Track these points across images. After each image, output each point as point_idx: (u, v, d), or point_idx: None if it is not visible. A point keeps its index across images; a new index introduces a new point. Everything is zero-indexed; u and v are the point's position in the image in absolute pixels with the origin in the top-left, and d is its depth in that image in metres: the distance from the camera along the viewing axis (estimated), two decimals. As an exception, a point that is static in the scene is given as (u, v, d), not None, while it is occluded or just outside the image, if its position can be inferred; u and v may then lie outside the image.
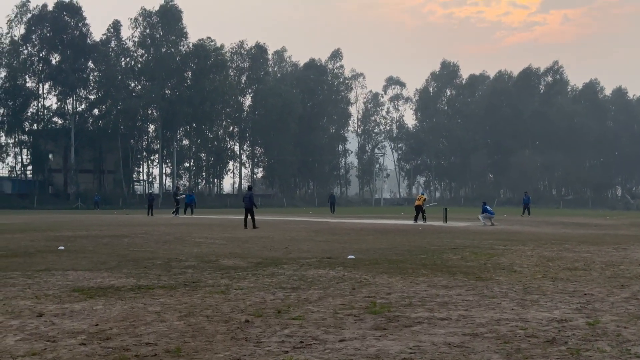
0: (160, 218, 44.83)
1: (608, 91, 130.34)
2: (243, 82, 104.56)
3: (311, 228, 30.98)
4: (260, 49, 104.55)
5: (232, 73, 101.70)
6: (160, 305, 9.86)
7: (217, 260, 16.33)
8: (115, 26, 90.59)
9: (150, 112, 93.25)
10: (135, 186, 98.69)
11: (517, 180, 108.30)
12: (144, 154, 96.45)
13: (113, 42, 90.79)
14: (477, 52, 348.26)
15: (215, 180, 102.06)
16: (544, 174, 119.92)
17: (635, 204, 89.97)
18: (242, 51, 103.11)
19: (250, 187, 34.25)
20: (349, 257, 17.23)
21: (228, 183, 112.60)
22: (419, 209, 38.22)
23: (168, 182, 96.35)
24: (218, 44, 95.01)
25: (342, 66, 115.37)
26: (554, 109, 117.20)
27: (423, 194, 42.69)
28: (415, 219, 37.57)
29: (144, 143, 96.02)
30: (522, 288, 11.80)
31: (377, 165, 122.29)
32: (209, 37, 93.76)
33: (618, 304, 10.11)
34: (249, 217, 30.51)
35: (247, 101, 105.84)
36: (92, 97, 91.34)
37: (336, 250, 19.42)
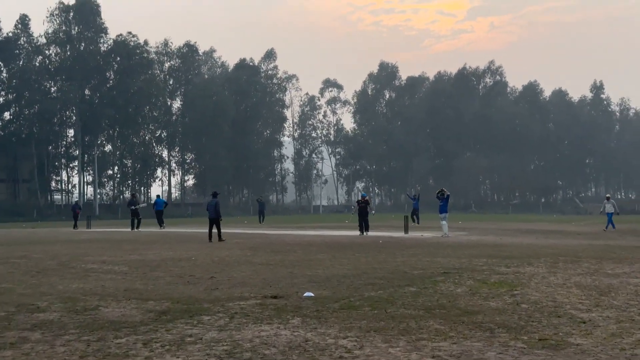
0: (71, 232, 38.15)
1: (547, 93, 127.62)
2: (171, 83, 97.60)
3: (246, 243, 24.98)
4: (190, 48, 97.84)
5: (158, 73, 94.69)
6: None
7: (96, 307, 10.23)
8: (23, 21, 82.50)
9: (68, 115, 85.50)
10: (55, 196, 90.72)
11: (461, 184, 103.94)
12: (62, 161, 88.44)
13: (22, 38, 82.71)
14: (407, 59, 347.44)
15: (142, 188, 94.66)
16: (488, 178, 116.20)
17: (585, 208, 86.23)
18: (169, 50, 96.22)
19: (215, 194, 28.35)
20: (306, 294, 11.36)
21: (156, 191, 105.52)
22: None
23: (89, 190, 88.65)
24: (141, 41, 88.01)
25: (276, 67, 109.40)
26: (495, 111, 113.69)
27: (365, 196, 33.36)
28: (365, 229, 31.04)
29: (62, 149, 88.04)
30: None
31: (315, 171, 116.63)
32: (130, 33, 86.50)
33: None
34: (214, 229, 26.67)
35: (176, 104, 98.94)
36: (1, 99, 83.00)
37: (284, 280, 13.50)
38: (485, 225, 44.29)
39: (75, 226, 43.52)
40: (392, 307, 10.08)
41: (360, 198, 32.79)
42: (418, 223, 42.61)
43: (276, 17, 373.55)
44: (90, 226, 43.42)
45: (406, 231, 31.03)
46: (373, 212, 31.61)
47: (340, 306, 10.17)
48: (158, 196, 47.57)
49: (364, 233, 30.35)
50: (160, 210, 40.81)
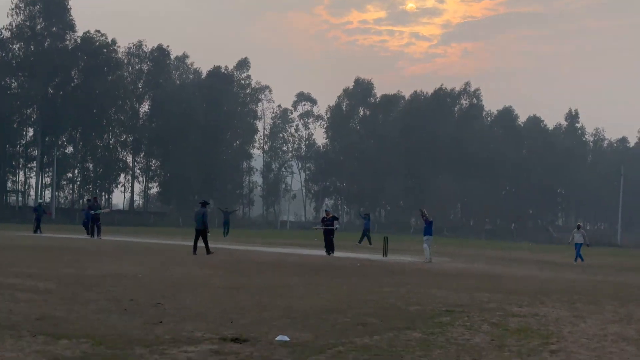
0: (14, 237, 34.77)
1: (522, 119, 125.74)
2: (140, 86, 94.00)
3: (207, 260, 21.98)
4: (162, 52, 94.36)
5: (127, 75, 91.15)
6: None
7: (-17, 349, 7.27)
8: (-11, 13, 78.96)
9: (29, 113, 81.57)
10: (12, 197, 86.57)
11: (433, 207, 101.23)
12: (20, 160, 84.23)
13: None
14: (381, 80, 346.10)
15: (104, 194, 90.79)
16: (460, 202, 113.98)
17: (559, 237, 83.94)
18: (141, 52, 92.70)
19: (204, 203, 25.99)
20: (279, 338, 8.47)
21: (119, 198, 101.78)
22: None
23: (47, 193, 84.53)
24: (109, 39, 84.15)
25: (249, 77, 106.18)
26: (470, 134, 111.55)
27: (329, 211, 30.46)
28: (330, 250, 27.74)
29: (21, 148, 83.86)
30: None
31: (284, 186, 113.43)
32: (98, 31, 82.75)
33: None
34: (200, 242, 24.68)
35: (144, 108, 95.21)
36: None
37: (250, 313, 10.57)
38: (465, 251, 41.65)
39: (37, 230, 39.54)
40: (400, 365, 7.25)
41: (324, 215, 29.60)
42: (369, 244, 39.89)
43: (252, 32, 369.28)
44: (40, 230, 39.87)
45: (385, 254, 28.16)
46: (337, 227, 28.08)
47: (326, 358, 7.31)
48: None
49: (330, 254, 27.36)
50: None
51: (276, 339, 8.40)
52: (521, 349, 8.63)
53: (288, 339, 8.39)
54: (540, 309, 12.76)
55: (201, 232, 24.56)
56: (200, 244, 24.77)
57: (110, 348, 7.41)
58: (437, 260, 27.79)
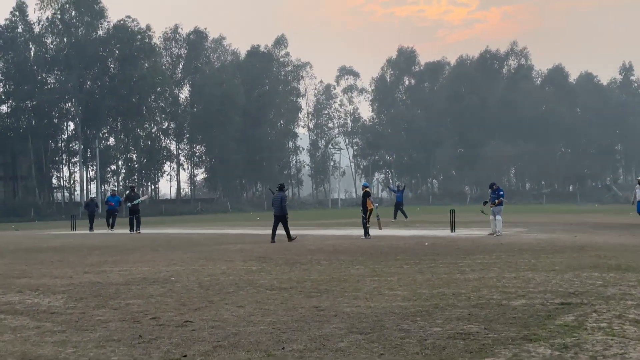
0: (41, 237, 32.72)
1: (574, 77, 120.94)
2: (179, 72, 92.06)
3: (254, 250, 19.36)
4: (199, 35, 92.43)
5: (166, 61, 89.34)
6: None
7: None
8: (21, 8, 76.98)
9: (68, 107, 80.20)
10: (57, 193, 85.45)
11: (486, 173, 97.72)
12: (63, 156, 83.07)
13: (20, 27, 77.46)
14: (422, 50, 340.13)
15: (150, 184, 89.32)
16: (517, 166, 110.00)
17: (624, 196, 79.80)
18: (177, 37, 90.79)
19: (282, 187, 23.86)
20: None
21: (165, 187, 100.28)
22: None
23: (92, 187, 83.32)
24: (142, 25, 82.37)
25: (288, 54, 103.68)
26: (520, 96, 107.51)
27: (367, 186, 25.84)
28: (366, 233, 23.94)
29: (62, 143, 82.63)
30: None
31: (332, 163, 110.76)
32: (129, 16, 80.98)
33: None
34: (279, 227, 23.27)
35: (184, 93, 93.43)
36: (-2, 91, 77.91)
37: (307, 328, 7.86)
38: (534, 218, 38.49)
39: (91, 228, 36.73)
40: None
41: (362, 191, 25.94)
42: (406, 217, 37.34)
43: (288, 9, 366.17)
44: (76, 227, 37.79)
45: (453, 229, 25.27)
46: (376, 205, 24.81)
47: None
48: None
49: (366, 236, 23.67)
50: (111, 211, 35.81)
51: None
52: None
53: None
54: (680, 293, 9.86)
55: (280, 218, 23.05)
56: (280, 230, 23.09)
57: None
58: (512, 231, 24.87)
